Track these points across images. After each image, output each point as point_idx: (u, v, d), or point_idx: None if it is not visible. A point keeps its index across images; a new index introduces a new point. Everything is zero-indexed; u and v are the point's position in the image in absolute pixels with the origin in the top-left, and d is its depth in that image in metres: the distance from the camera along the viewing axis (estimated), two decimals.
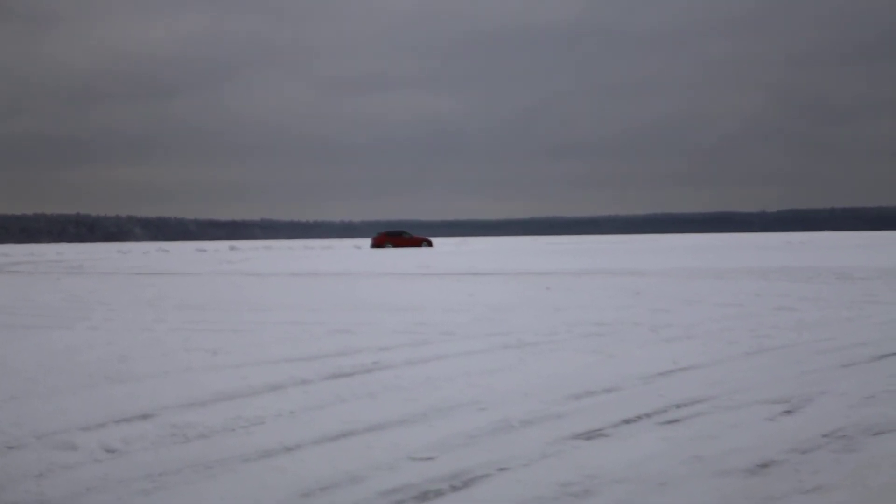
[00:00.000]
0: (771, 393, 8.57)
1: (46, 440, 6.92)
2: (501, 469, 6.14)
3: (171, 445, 6.87)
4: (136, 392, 8.75)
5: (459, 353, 11.23)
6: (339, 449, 6.71)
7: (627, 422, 7.50)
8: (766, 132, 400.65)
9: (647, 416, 7.71)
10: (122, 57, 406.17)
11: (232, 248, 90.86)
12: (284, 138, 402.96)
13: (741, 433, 7.05)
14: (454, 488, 5.79)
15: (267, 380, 9.34)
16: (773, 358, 10.78)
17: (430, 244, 79.42)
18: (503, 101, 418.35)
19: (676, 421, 7.51)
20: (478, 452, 6.56)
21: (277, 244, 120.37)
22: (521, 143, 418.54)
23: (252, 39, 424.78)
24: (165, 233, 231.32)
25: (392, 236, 79.95)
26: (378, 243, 78.57)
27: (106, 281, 30.59)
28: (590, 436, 7.04)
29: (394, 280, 28.49)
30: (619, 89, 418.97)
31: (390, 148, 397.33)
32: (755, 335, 12.59)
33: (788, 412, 7.81)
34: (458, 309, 17.04)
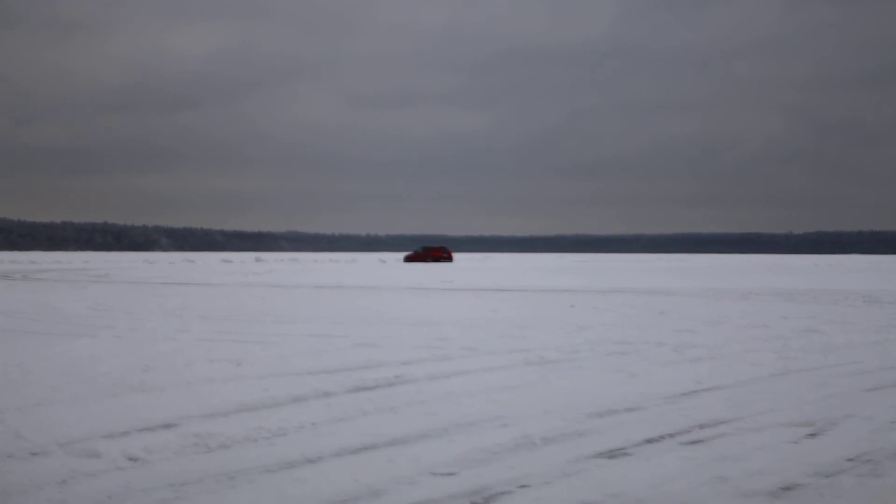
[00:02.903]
0: (795, 415, 8.51)
1: (69, 448, 6.94)
2: (522, 486, 6.11)
3: (193, 455, 6.88)
4: (159, 401, 8.78)
5: (481, 369, 11.21)
6: (360, 462, 6.70)
7: (650, 441, 7.46)
8: (794, 154, 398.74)
9: (670, 435, 7.66)
10: (152, 67, 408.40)
11: (258, 260, 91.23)
12: (312, 152, 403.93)
13: (765, 455, 7.00)
14: None
15: (290, 391, 9.35)
16: (799, 380, 10.70)
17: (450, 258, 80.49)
18: (528, 118, 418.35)
19: (699, 441, 7.47)
20: (499, 469, 6.53)
21: (303, 256, 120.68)
22: (546, 160, 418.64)
23: (281, 53, 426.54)
24: (191, 243, 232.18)
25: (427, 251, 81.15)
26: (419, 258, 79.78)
27: (131, 290, 30.73)
28: (612, 454, 7.01)
29: (417, 295, 28.51)
30: (645, 108, 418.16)
31: (416, 163, 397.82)
32: (780, 357, 12.52)
33: (813, 435, 7.75)
34: (481, 325, 17.02)
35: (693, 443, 7.42)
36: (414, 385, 10.01)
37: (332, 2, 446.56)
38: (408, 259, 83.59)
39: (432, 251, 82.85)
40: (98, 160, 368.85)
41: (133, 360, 11.66)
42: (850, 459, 6.89)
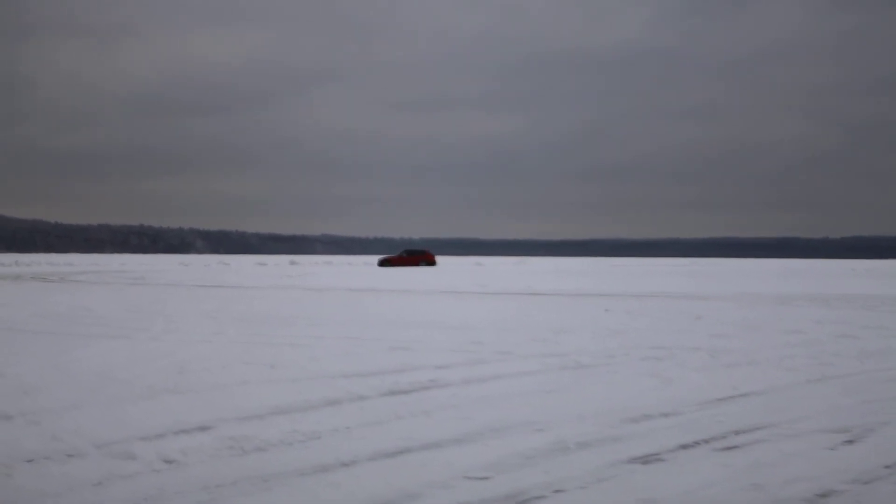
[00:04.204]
0: (832, 422, 8.45)
1: (105, 449, 6.99)
2: (557, 491, 6.09)
3: (228, 458, 6.91)
4: (194, 403, 8.82)
5: (515, 374, 11.20)
6: (394, 466, 6.71)
7: (685, 447, 7.42)
8: (831, 159, 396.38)
9: (705, 441, 7.62)
10: (189, 72, 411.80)
11: (292, 263, 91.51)
12: (347, 155, 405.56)
13: (801, 462, 6.95)
14: None
15: (324, 395, 9.37)
16: (835, 386, 10.62)
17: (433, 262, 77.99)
18: (562, 121, 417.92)
19: (735, 447, 7.42)
20: (533, 473, 6.52)
21: (337, 259, 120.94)
22: (580, 163, 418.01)
23: (319, 57, 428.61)
24: (227, 246, 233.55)
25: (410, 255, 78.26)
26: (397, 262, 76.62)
27: (167, 292, 30.92)
28: (646, 460, 6.98)
29: (451, 298, 28.51)
30: (676, 112, 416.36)
31: (450, 167, 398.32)
32: (817, 363, 12.43)
33: (850, 442, 7.69)
34: (515, 329, 17.00)
35: (728, 449, 7.38)
36: (448, 389, 10.01)
37: (364, 8, 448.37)
38: (385, 263, 76.50)
39: (424, 255, 78.29)
40: (135, 164, 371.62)
41: (168, 362, 11.73)
42: (887, 466, 6.83)
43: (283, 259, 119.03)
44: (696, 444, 7.54)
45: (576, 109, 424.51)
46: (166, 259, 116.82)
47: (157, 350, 13.12)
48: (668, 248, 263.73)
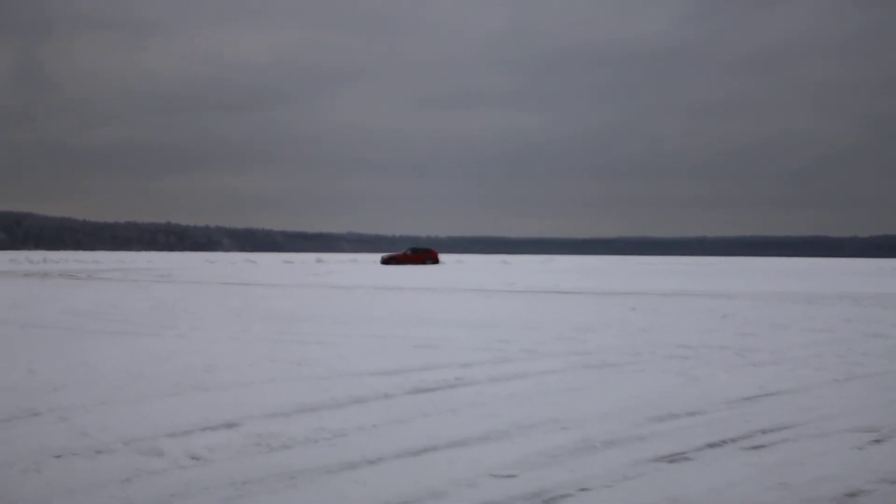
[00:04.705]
0: (860, 421, 8.40)
1: (133, 446, 7.03)
2: (582, 489, 6.09)
3: (255, 455, 6.93)
4: (221, 400, 8.86)
5: (541, 372, 11.19)
6: (420, 464, 6.72)
7: (712, 446, 7.40)
8: (859, 156, 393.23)
9: (732, 440, 7.59)
10: (215, 69, 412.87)
11: (318, 261, 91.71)
12: (374, 153, 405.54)
13: (829, 461, 6.92)
14: None
15: (350, 392, 9.39)
16: (864, 385, 10.56)
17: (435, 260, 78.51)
18: (588, 118, 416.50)
19: (762, 447, 7.39)
20: (559, 471, 6.51)
21: (363, 257, 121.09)
22: (606, 160, 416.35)
23: (345, 54, 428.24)
24: (253, 244, 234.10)
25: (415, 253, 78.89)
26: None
27: (193, 290, 31.05)
28: (673, 459, 6.96)
29: (477, 296, 28.51)
30: (706, 109, 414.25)
31: (477, 164, 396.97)
32: (845, 362, 12.36)
33: (878, 441, 7.64)
34: (541, 327, 16.99)
35: (755, 448, 7.35)
36: (474, 387, 10.01)
37: (389, 6, 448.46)
38: (391, 261, 76.23)
39: (429, 253, 79.08)
40: (162, 161, 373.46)
41: (195, 359, 11.78)
42: None
43: (309, 257, 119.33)
44: (723, 442, 7.51)
45: (603, 105, 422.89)
46: (193, 257, 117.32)
47: (183, 347, 13.18)
48: (695, 246, 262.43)
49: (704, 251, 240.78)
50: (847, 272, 62.43)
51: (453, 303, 25.10)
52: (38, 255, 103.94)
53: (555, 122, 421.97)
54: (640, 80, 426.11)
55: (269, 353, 12.45)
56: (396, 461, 6.79)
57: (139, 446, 7.01)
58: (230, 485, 6.09)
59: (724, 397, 9.57)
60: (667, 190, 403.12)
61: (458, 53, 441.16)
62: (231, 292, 29.67)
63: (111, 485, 6.07)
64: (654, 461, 6.88)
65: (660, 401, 9.31)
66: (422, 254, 78.70)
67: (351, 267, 67.52)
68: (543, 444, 7.33)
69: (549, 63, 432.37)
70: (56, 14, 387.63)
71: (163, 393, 9.25)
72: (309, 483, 6.18)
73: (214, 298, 25.95)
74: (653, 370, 11.48)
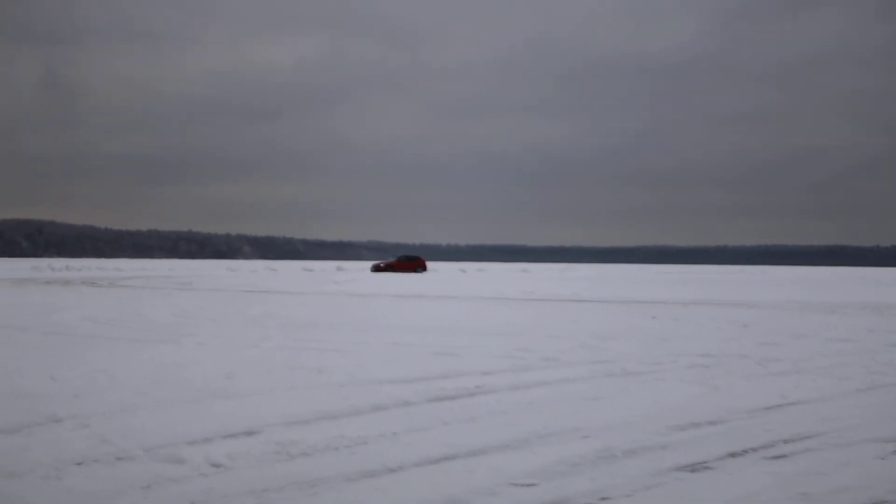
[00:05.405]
0: (882, 431, 8.35)
1: (154, 453, 7.05)
2: (603, 499, 6.07)
3: (275, 462, 6.94)
4: (242, 408, 8.87)
5: (562, 380, 11.17)
6: (440, 472, 6.71)
7: (733, 455, 7.37)
8: (881, 166, 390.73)
9: (754, 450, 7.56)
10: (237, 77, 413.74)
11: (338, 269, 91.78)
12: (394, 161, 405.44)
13: (851, 471, 6.87)
14: None
15: (370, 400, 9.39)
16: (886, 396, 10.50)
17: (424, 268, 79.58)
18: (611, 128, 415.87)
19: (783, 456, 7.35)
20: (580, 481, 6.50)
21: None
22: (629, 169, 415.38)
23: (366, 63, 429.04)
24: (273, 251, 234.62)
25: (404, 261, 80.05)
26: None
27: (214, 297, 31.13)
28: (694, 468, 6.93)
29: (497, 305, 28.48)
30: (726, 119, 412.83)
31: (498, 173, 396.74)
32: (867, 372, 12.29)
33: None
34: (562, 335, 16.95)
35: (777, 458, 7.31)
36: (494, 395, 10.00)
37: (415, 16, 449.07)
38: (386, 268, 77.82)
39: (418, 261, 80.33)
40: (183, 169, 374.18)
41: (216, 367, 11.80)
42: None
43: (329, 265, 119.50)
44: (745, 452, 7.48)
45: (625, 116, 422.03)
46: (214, 264, 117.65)
47: (204, 355, 13.21)
48: (715, 255, 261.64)
49: (726, 260, 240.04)
50: (869, 281, 62.12)
51: (473, 311, 25.08)
52: (60, 262, 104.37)
53: (576, 133, 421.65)
54: (662, 91, 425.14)
55: (289, 361, 12.46)
56: (416, 469, 6.78)
57: (160, 453, 7.02)
58: (250, 492, 6.10)
59: (745, 406, 9.53)
60: (688, 199, 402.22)
61: (483, 64, 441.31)
62: (251, 300, 29.73)
63: (132, 492, 6.09)
64: (676, 470, 6.85)
65: (681, 410, 9.28)
66: (412, 262, 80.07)
67: (371, 275, 67.55)
68: (564, 452, 7.31)
69: (571, 74, 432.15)
70: (81, 24, 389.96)
71: (183, 400, 9.27)
72: (329, 491, 6.18)
73: (235, 306, 26.01)
74: (674, 379, 11.44)
